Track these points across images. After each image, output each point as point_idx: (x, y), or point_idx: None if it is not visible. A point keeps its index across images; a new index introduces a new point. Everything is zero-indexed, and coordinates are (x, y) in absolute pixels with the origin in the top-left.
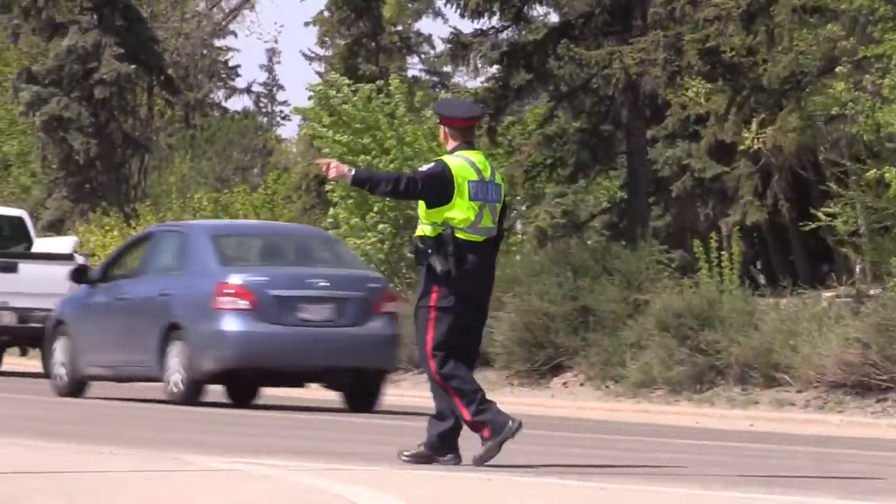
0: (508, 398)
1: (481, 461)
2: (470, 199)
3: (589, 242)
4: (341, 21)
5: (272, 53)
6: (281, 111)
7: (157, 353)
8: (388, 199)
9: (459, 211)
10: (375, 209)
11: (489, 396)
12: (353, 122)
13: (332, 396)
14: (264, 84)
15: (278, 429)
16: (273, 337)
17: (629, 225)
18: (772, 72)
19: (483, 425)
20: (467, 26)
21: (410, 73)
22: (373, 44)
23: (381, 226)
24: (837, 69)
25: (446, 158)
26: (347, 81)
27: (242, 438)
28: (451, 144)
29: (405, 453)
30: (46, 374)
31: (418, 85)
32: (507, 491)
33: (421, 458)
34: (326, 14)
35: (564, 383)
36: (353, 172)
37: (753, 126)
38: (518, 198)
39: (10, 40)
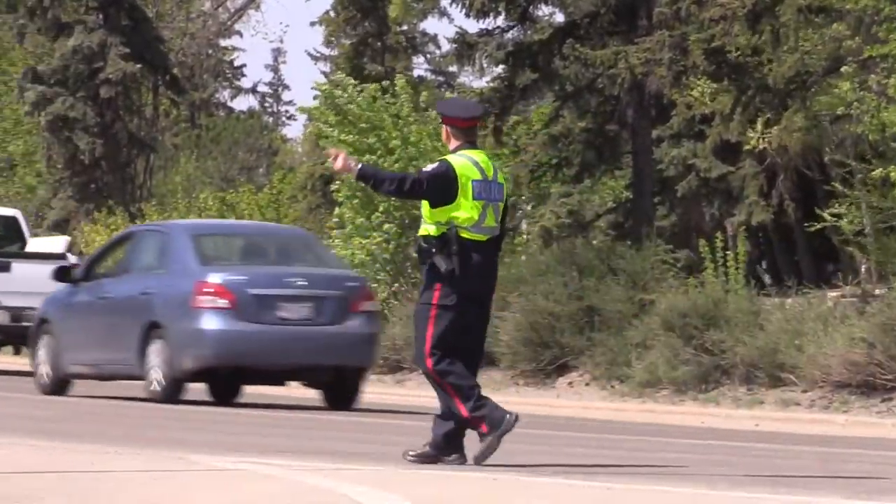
0: (514, 398)
1: (482, 457)
2: (474, 198)
3: (594, 242)
4: (347, 21)
5: (277, 53)
6: (286, 111)
7: (138, 351)
8: (393, 198)
9: (463, 210)
10: (381, 209)
11: (494, 397)
12: (358, 122)
13: (313, 394)
14: (270, 84)
15: (273, 428)
16: (252, 335)
17: (634, 225)
18: (777, 72)
19: (481, 420)
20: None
21: (416, 73)
22: (378, 44)
23: (386, 226)
24: (843, 69)
25: (450, 158)
26: (353, 81)
27: (247, 438)
28: (454, 144)
29: (410, 453)
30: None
31: (424, 85)
32: (513, 491)
33: (426, 458)
34: (332, 14)
35: (570, 383)
36: (359, 167)
37: (759, 126)
38: (523, 198)
39: (15, 40)
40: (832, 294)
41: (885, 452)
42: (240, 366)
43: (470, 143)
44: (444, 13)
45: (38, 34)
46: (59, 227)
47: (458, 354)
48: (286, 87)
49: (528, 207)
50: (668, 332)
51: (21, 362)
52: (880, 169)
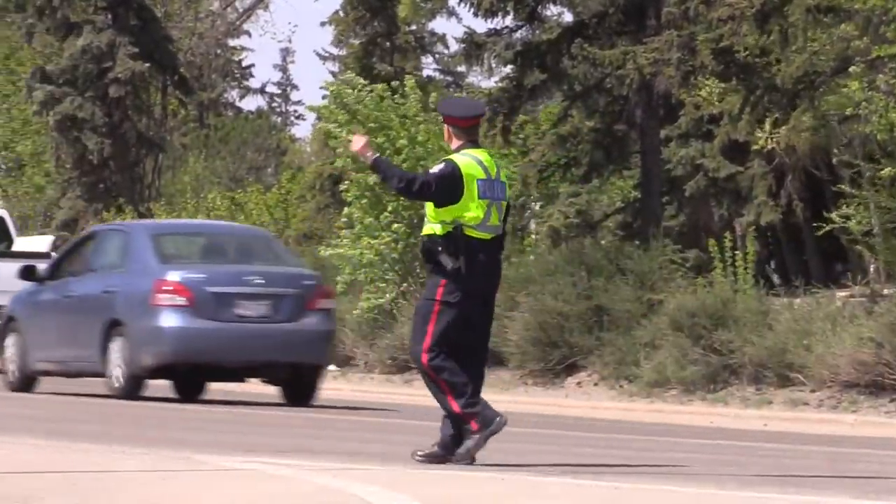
0: (522, 398)
1: (468, 453)
2: (479, 197)
3: (603, 242)
4: (356, 20)
5: (286, 53)
6: (295, 111)
7: (100, 348)
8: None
9: (469, 209)
10: (390, 209)
11: (503, 396)
12: (367, 122)
13: (272, 391)
14: (278, 84)
15: (278, 427)
16: (210, 332)
17: (643, 224)
18: (785, 71)
19: (472, 417)
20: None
21: (425, 73)
22: (387, 43)
23: (395, 225)
24: (851, 69)
25: (455, 158)
26: (363, 81)
27: (253, 438)
28: (456, 143)
29: (419, 453)
30: None
31: (432, 85)
32: (521, 490)
33: (434, 458)
34: (342, 14)
35: (578, 383)
36: (375, 156)
37: (767, 126)
38: (532, 197)
39: (24, 40)
40: (841, 294)
41: (893, 452)
42: (198, 362)
43: (472, 142)
44: (452, 13)
45: (46, 34)
46: (68, 226)
47: (460, 352)
48: (295, 86)
49: (537, 207)
50: (677, 331)
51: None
52: (889, 168)
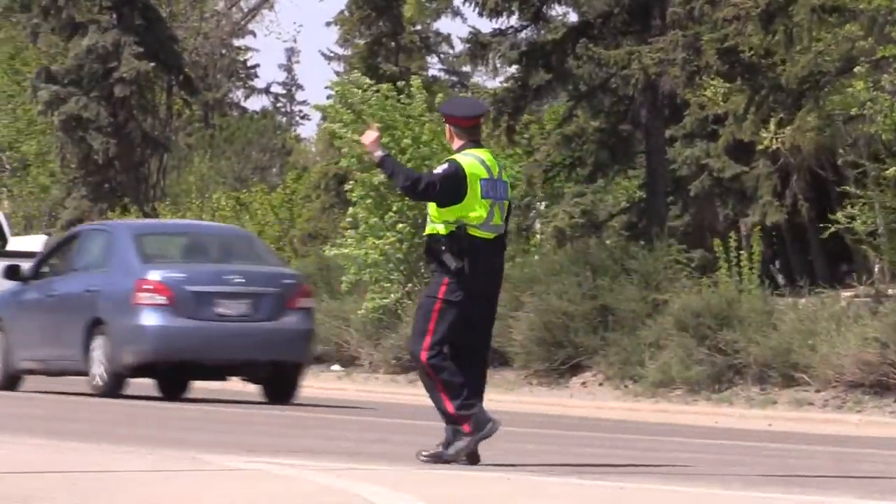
0: (527, 398)
1: (456, 454)
2: (482, 197)
3: (608, 242)
4: (362, 20)
5: (291, 53)
6: (300, 111)
7: (83, 347)
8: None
9: (473, 209)
10: (395, 209)
11: (508, 397)
12: (372, 122)
13: (252, 389)
14: (283, 84)
15: (283, 427)
16: (190, 331)
17: (648, 224)
18: (790, 71)
19: (466, 419)
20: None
21: (430, 72)
22: (392, 43)
23: (399, 225)
24: (856, 69)
25: (458, 158)
26: (370, 81)
27: (257, 438)
28: (458, 143)
29: (423, 453)
30: None
31: (437, 85)
32: (526, 490)
33: (439, 459)
34: (347, 13)
35: (583, 383)
36: (383, 154)
37: (772, 126)
38: (537, 198)
39: (29, 40)
40: (845, 294)
41: None
42: (179, 361)
43: (474, 141)
44: (457, 13)
45: (51, 34)
46: (73, 226)
47: (461, 352)
48: (300, 86)
49: (542, 207)
50: (682, 331)
51: None
52: (893, 168)
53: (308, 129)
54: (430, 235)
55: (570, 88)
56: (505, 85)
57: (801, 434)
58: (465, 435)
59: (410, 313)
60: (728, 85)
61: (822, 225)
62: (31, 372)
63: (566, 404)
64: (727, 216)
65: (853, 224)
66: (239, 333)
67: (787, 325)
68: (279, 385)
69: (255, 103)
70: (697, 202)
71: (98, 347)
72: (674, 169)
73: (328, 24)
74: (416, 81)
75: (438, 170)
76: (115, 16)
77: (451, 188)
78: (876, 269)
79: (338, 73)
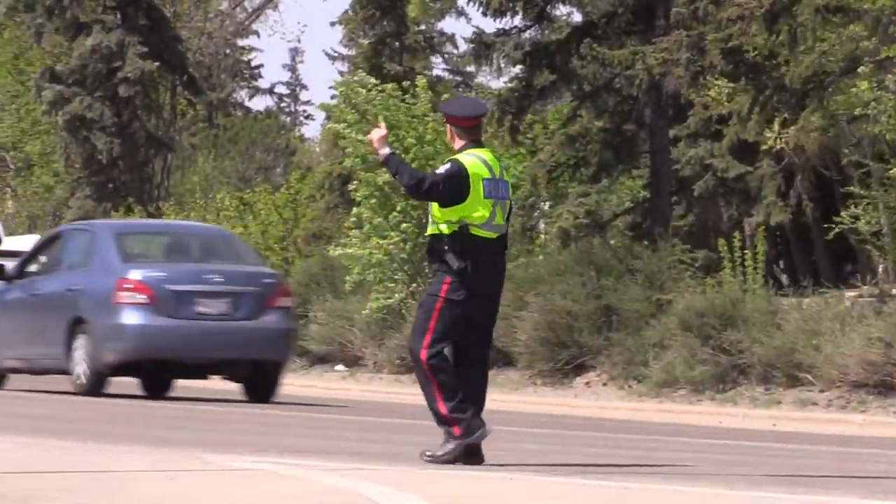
0: (531, 398)
1: (442, 457)
2: (485, 196)
3: (612, 242)
4: (366, 20)
5: (295, 53)
6: (304, 111)
7: (65, 346)
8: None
9: (475, 209)
10: (399, 209)
11: (512, 396)
12: (376, 122)
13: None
14: (287, 84)
15: (286, 427)
16: (170, 330)
17: (652, 225)
18: (794, 71)
19: (457, 422)
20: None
21: (434, 72)
22: (397, 43)
23: (403, 225)
24: (860, 69)
25: (461, 158)
26: (374, 81)
27: (261, 437)
28: (459, 143)
29: (427, 453)
30: None
31: (442, 85)
32: (530, 490)
33: (438, 459)
34: (351, 13)
35: (587, 383)
36: (388, 152)
37: (776, 126)
38: (541, 198)
39: (33, 40)
40: (849, 294)
41: None
42: (160, 359)
43: (475, 141)
44: (461, 13)
45: (55, 34)
46: None
47: (461, 352)
48: (304, 86)
49: (546, 207)
50: (686, 331)
51: None
52: None
53: (312, 129)
54: (432, 235)
55: (574, 88)
56: (509, 85)
57: (805, 434)
58: (455, 438)
59: (414, 313)
60: (732, 85)
61: (826, 225)
62: (15, 370)
63: (570, 404)
64: (731, 216)
65: (857, 224)
66: (219, 332)
67: (791, 326)
68: (259, 384)
69: (259, 103)
70: (701, 202)
71: (80, 346)
72: (678, 169)
73: (332, 23)
74: (420, 81)
75: (441, 169)
76: (119, 16)
77: (454, 188)
78: (880, 269)
79: (342, 73)
